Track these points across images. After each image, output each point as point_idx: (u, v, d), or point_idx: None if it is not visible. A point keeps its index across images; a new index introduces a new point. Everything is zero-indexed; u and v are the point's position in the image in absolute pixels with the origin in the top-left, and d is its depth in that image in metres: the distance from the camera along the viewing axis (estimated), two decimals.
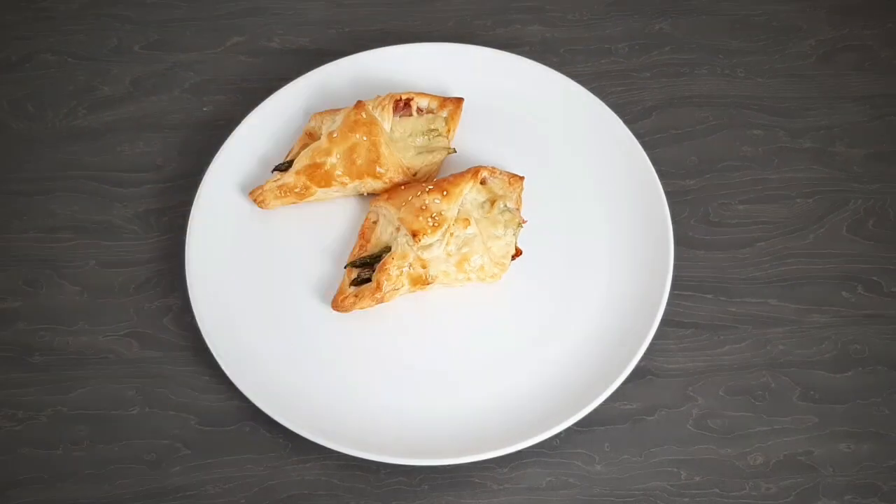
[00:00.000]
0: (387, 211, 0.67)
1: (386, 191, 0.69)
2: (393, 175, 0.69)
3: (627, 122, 0.74)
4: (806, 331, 0.67)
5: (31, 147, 0.76)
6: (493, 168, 0.69)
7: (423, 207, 0.65)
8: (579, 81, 0.76)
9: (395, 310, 0.67)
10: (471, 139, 0.74)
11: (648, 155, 0.71)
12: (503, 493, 0.62)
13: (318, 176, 0.69)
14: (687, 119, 0.77)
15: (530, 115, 0.75)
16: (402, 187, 0.68)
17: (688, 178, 0.74)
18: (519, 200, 0.68)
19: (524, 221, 0.68)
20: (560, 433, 0.62)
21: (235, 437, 0.64)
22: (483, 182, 0.68)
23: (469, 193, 0.67)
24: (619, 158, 0.72)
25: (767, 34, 0.82)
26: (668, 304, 0.65)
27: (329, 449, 0.62)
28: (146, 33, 0.83)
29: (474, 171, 0.68)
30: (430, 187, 0.66)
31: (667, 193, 0.70)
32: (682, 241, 0.71)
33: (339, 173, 0.69)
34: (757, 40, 0.82)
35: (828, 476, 0.62)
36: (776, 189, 0.74)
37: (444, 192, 0.66)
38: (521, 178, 0.69)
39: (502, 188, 0.68)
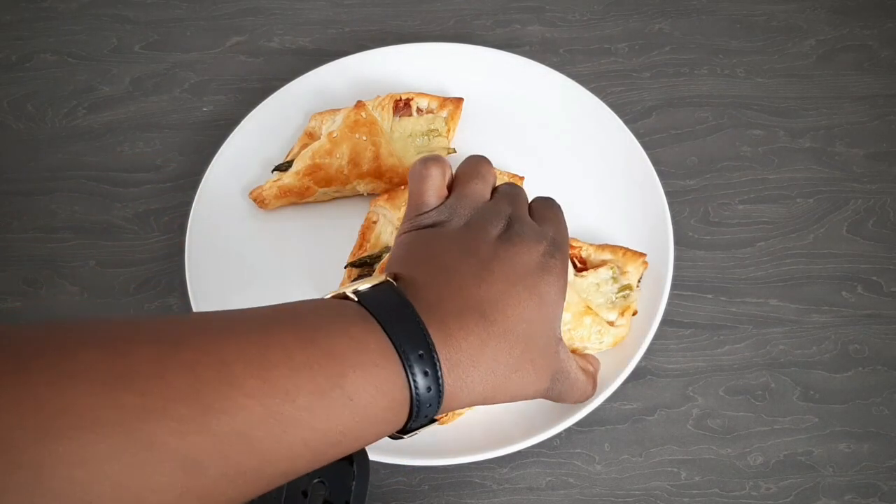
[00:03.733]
0: (387, 211, 0.67)
1: (386, 191, 0.69)
2: (393, 175, 0.69)
3: (627, 122, 0.74)
4: (806, 331, 0.67)
5: (31, 147, 0.76)
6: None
7: None
8: (579, 81, 0.76)
9: None
10: (471, 139, 0.74)
11: (648, 155, 0.71)
12: (503, 493, 0.62)
13: (319, 176, 0.69)
14: (687, 119, 0.77)
15: (530, 115, 0.75)
16: (402, 187, 0.68)
17: (688, 178, 0.74)
18: None
19: None
20: (560, 433, 0.62)
21: None
22: None
23: None
24: (619, 158, 0.72)
25: (767, 34, 0.82)
26: (668, 304, 0.65)
27: None
28: (146, 33, 0.83)
29: None
30: None
31: (667, 193, 0.70)
32: (682, 241, 0.71)
33: (340, 173, 0.69)
34: (757, 40, 0.82)
35: (828, 476, 0.62)
36: (776, 189, 0.74)
37: None
38: (521, 179, 0.69)
39: None
